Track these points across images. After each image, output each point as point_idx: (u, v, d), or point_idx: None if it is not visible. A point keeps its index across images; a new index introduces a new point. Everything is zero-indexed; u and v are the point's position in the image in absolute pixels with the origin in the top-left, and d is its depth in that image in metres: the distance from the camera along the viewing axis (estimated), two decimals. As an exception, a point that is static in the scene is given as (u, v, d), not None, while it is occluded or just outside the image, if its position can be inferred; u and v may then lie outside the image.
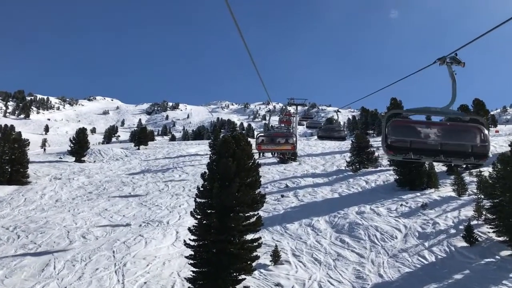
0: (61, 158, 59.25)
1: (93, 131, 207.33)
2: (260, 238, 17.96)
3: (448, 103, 6.52)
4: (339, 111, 14.14)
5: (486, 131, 6.51)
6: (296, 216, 29.06)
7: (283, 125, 39.66)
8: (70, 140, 57.84)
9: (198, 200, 17.75)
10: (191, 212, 17.65)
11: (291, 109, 59.30)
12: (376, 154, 45.26)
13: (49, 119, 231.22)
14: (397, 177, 34.20)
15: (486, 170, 34.07)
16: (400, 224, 25.56)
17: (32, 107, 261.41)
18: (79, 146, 56.62)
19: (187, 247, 17.25)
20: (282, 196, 34.46)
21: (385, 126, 6.54)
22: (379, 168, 42.90)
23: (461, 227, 23.56)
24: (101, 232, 25.88)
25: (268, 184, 39.38)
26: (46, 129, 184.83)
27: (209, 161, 18.24)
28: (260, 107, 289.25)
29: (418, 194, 31.05)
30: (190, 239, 17.21)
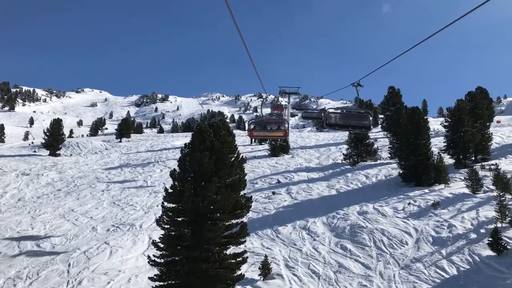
0: (35, 152, 54.95)
1: (80, 123, 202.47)
2: (245, 252, 14.27)
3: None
4: (359, 85, 10.49)
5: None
6: (289, 217, 25.45)
7: (275, 111, 36.88)
8: (44, 132, 53.54)
9: (166, 205, 13.97)
10: (156, 220, 13.87)
11: (283, 100, 55.69)
12: (375, 146, 41.77)
13: (34, 112, 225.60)
14: (402, 172, 30.66)
15: (498, 163, 30.86)
16: (409, 226, 22.04)
17: (17, 99, 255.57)
18: (53, 138, 52.35)
19: (152, 265, 13.49)
20: (274, 193, 30.81)
21: None
22: (378, 161, 39.43)
23: (482, 230, 20.11)
24: (60, 238, 22.04)
25: (258, 179, 35.71)
26: (31, 121, 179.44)
27: (180, 155, 14.41)
28: (251, 99, 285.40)
29: (426, 190, 27.54)
30: (155, 256, 13.44)
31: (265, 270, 17.82)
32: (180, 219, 13.65)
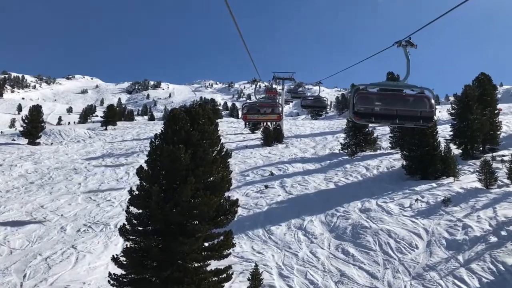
0: (14, 140, 51.79)
1: (70, 110, 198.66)
2: (229, 267, 11.63)
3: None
4: (411, 44, 7.20)
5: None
6: (283, 215, 22.86)
7: (268, 95, 35.14)
8: (23, 120, 50.32)
9: (132, 210, 11.24)
10: (119, 229, 11.14)
11: (277, 87, 52.98)
12: (375, 134, 39.18)
13: (23, 98, 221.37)
14: (406, 163, 28.10)
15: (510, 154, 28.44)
16: (419, 227, 19.52)
17: (6, 86, 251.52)
18: (32, 126, 49.14)
19: (113, 285, 10.80)
20: (266, 186, 28.17)
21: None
22: (378, 152, 36.88)
23: (503, 233, 17.62)
24: (22, 241, 19.28)
25: (250, 171, 33.04)
26: (19, 108, 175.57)
27: (150, 149, 11.63)
28: (244, 86, 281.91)
29: (434, 184, 25.04)
30: (116, 275, 10.75)
31: (255, 282, 15.22)
32: (148, 228, 10.93)
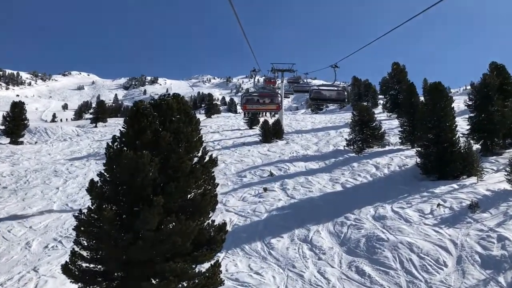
0: (-4, 139, 48.71)
1: (65, 107, 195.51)
2: (215, 316, 8.59)
3: None
4: None
5: None
6: (285, 224, 19.88)
7: (267, 85, 33.24)
8: (4, 118, 47.14)
9: (81, 239, 8.22)
10: (63, 267, 8.11)
11: (277, 82, 50.15)
12: (382, 129, 36.11)
13: (18, 95, 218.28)
14: (421, 161, 25.06)
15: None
16: (445, 238, 16.52)
17: (0, 83, 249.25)
18: (14, 124, 46.02)
19: None
20: (265, 189, 25.17)
21: None
22: (387, 148, 33.81)
23: (549, 247, 14.68)
24: (-24, 262, 16.29)
25: (247, 171, 30.02)
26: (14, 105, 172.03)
27: (106, 156, 8.59)
28: (243, 81, 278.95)
29: (455, 185, 22.02)
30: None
31: (253, 315, 12.33)
32: (100, 268, 7.90)
